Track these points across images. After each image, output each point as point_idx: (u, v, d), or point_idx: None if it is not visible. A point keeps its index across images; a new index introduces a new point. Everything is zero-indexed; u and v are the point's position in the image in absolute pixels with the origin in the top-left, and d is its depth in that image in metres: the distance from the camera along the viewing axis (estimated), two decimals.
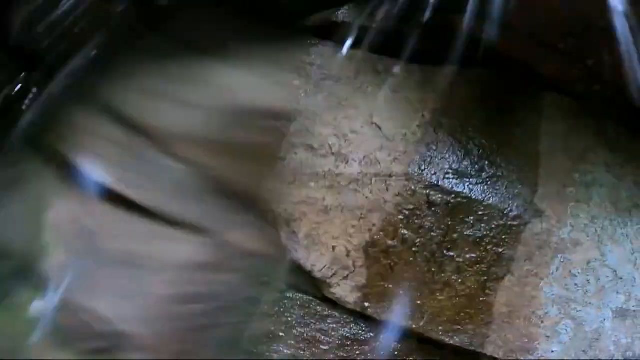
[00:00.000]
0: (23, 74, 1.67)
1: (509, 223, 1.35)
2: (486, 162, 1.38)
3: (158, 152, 1.41)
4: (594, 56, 1.49)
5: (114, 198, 1.38)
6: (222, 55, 1.51)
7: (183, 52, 1.52)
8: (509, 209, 1.35)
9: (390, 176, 1.34)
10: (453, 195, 1.34)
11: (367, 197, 1.34)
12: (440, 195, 1.34)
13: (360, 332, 1.34)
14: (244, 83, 1.44)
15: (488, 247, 1.33)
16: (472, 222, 1.34)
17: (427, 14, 1.38)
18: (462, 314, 1.33)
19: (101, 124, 1.41)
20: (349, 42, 1.48)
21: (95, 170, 1.38)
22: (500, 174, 1.38)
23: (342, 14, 1.53)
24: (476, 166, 1.37)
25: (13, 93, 1.65)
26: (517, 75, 1.50)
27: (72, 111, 1.50)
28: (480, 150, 1.39)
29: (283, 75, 1.46)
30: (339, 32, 1.51)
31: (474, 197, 1.35)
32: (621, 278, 1.36)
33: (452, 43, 1.39)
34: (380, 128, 1.38)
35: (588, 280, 1.35)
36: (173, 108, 1.44)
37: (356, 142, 1.37)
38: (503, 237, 1.34)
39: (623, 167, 1.47)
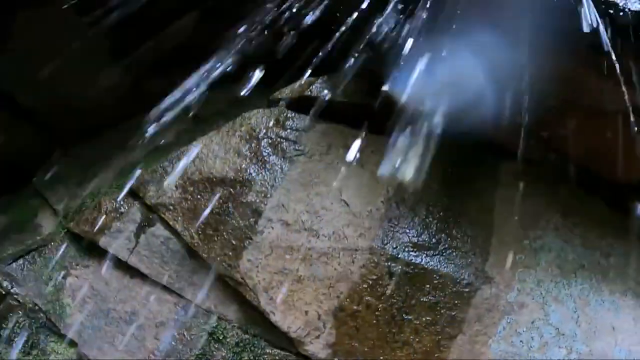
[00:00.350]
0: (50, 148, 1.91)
1: (461, 290, 1.52)
2: (443, 235, 1.54)
3: (153, 222, 1.62)
4: (548, 129, 1.62)
5: (121, 265, 1.61)
6: (201, 130, 1.69)
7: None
8: (462, 277, 1.52)
9: (356, 250, 1.52)
10: (412, 267, 1.51)
11: (335, 269, 1.52)
12: (400, 267, 1.51)
13: None
14: (217, 156, 1.62)
15: (442, 311, 1.51)
16: (428, 289, 1.51)
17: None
18: None
19: (113, 200, 1.64)
20: (321, 116, 1.63)
21: (107, 242, 1.61)
22: (455, 245, 1.54)
23: (316, 87, 1.66)
24: (433, 239, 1.54)
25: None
26: (478, 145, 1.63)
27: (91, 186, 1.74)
28: (438, 224, 1.55)
29: (255, 148, 1.62)
30: (313, 105, 1.65)
31: (430, 267, 1.52)
32: (563, 334, 1.54)
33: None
34: (348, 204, 1.54)
35: (532, 337, 1.53)
36: (164, 180, 1.63)
37: (326, 218, 1.53)
38: (456, 301, 1.52)
39: (572, 230, 1.62)
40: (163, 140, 1.83)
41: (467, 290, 1.52)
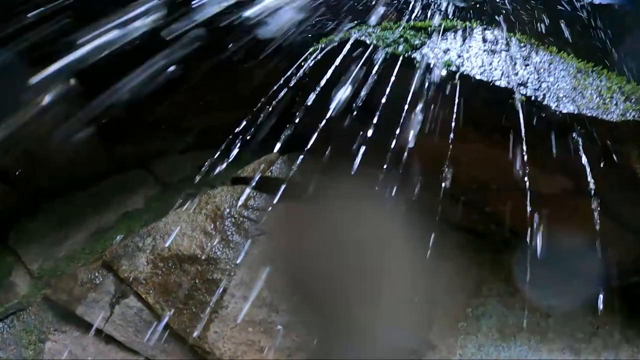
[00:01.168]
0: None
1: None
2: None
3: (127, 294, 1.75)
4: (490, 205, 1.75)
5: (97, 332, 1.75)
6: (169, 197, 1.80)
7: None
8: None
9: (313, 323, 1.66)
10: None
11: (293, 340, 1.67)
12: None
13: None
14: (185, 234, 1.75)
15: None
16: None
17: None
18: None
19: (88, 271, 1.76)
20: (281, 195, 1.74)
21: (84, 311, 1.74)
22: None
23: (277, 167, 1.77)
24: None
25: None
26: (427, 219, 1.75)
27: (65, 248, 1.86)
28: None
29: (220, 227, 1.74)
30: (275, 185, 1.76)
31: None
32: None
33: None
34: None
35: None
36: (136, 255, 1.76)
37: (285, 294, 1.67)
38: None
39: (513, 296, 1.77)
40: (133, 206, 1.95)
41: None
